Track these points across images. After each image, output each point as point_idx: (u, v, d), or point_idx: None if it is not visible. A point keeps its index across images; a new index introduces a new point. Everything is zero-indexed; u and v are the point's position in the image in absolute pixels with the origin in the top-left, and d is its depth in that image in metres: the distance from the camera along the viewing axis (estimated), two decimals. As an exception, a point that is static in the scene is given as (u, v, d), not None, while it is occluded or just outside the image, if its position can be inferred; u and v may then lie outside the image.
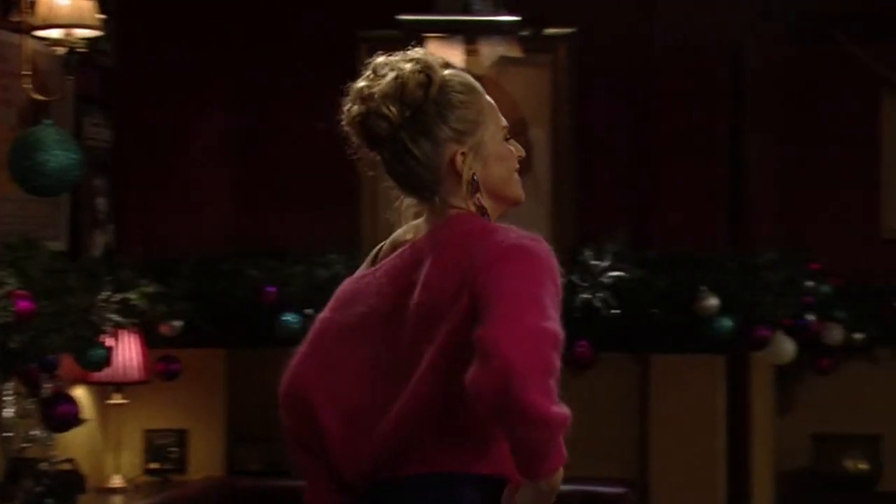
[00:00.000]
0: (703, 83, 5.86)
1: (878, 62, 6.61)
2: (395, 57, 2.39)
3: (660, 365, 5.65)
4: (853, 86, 6.69)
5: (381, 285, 2.40)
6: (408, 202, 2.45)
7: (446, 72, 2.40)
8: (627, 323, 5.58)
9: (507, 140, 2.44)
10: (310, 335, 2.46)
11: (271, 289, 5.44)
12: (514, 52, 5.55)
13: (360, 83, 2.38)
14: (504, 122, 2.44)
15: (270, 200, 5.87)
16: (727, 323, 5.48)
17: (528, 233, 2.31)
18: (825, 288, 6.15)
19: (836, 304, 6.23)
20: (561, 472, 2.21)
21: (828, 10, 6.43)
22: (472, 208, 2.37)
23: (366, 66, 2.40)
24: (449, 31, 5.45)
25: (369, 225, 5.66)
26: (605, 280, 5.57)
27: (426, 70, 2.36)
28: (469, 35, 5.50)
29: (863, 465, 6.14)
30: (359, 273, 2.48)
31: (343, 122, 2.40)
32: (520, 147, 2.46)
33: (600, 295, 5.56)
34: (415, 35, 5.45)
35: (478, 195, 2.37)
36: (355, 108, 2.37)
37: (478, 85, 2.43)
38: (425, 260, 2.33)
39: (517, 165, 2.45)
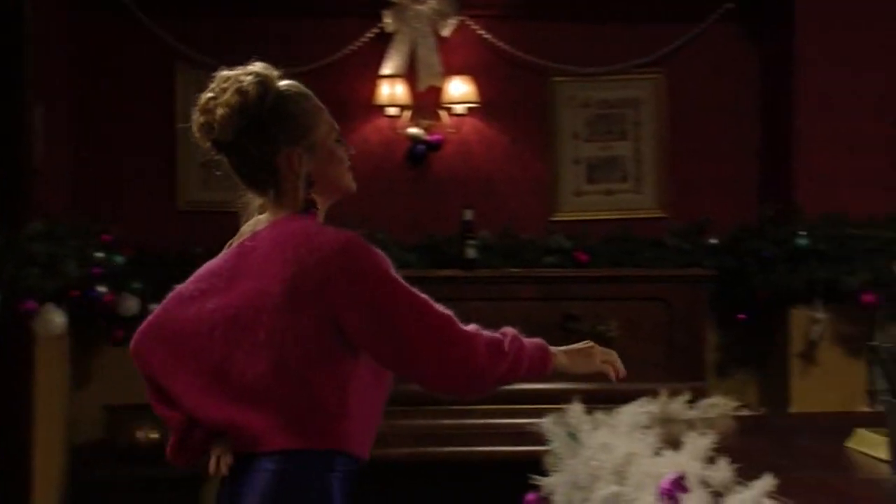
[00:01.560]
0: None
1: (170, 34, 6.34)
2: (237, 71, 2.65)
3: None
4: (147, 56, 6.38)
5: (220, 268, 2.66)
6: (254, 200, 2.72)
7: (281, 83, 2.68)
8: None
9: (338, 141, 2.73)
10: (163, 301, 2.71)
11: None
12: None
13: (205, 96, 2.64)
14: (335, 125, 2.74)
15: None
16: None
17: (344, 230, 2.60)
18: (118, 258, 5.98)
19: (131, 274, 6.07)
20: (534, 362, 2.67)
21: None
22: (301, 202, 2.65)
23: (211, 79, 2.66)
24: None
25: None
26: None
27: (264, 82, 2.64)
28: None
29: (154, 435, 6.12)
30: (218, 256, 2.72)
31: (192, 131, 2.65)
32: (350, 147, 2.78)
33: None
34: None
35: (311, 190, 2.66)
36: (202, 118, 2.63)
37: (310, 93, 2.72)
38: (259, 252, 2.60)
39: (349, 163, 2.74)
